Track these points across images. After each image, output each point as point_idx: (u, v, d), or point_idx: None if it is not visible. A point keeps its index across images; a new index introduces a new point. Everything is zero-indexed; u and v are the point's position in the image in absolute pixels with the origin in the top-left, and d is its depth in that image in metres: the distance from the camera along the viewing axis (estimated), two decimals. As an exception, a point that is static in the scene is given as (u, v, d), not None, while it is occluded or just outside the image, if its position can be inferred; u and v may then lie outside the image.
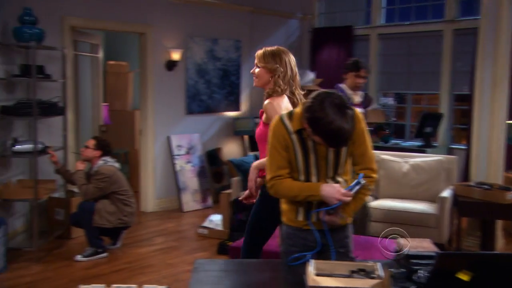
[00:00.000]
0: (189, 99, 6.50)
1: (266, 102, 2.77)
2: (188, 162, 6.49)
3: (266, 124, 2.73)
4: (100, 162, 4.69)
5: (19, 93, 4.98)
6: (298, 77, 2.87)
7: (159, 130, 6.29)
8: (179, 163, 6.39)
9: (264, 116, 2.80)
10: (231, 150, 7.01)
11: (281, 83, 2.79)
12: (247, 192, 2.85)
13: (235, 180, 5.36)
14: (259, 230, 2.95)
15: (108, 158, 4.76)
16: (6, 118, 4.66)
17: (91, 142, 4.75)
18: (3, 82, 4.71)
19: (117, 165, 4.82)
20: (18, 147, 4.61)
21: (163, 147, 6.36)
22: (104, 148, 4.75)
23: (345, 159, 2.29)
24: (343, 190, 2.20)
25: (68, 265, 4.43)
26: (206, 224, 5.36)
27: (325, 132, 2.08)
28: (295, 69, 2.86)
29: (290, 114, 2.26)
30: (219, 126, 6.89)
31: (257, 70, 2.84)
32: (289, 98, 2.82)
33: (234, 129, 6.97)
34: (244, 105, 7.13)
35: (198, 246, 5.03)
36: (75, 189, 5.06)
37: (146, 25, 6.02)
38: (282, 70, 2.80)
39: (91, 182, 4.63)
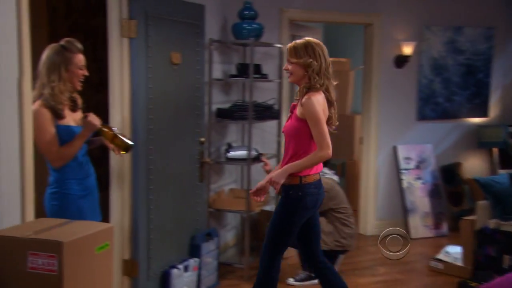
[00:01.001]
0: (422, 101, 6.35)
1: (304, 98, 3.16)
2: (418, 178, 6.33)
3: (302, 120, 3.19)
4: (317, 174, 4.82)
5: (234, 95, 5.43)
6: (331, 69, 3.24)
7: (384, 139, 6.26)
8: (407, 179, 6.27)
9: (299, 111, 3.21)
10: (473, 165, 6.65)
11: (317, 77, 3.18)
12: (259, 184, 3.28)
13: (481, 204, 5.00)
14: (279, 234, 3.34)
15: (325, 170, 4.85)
16: (222, 122, 5.11)
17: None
18: (221, 83, 5.19)
19: (335, 178, 4.90)
20: (232, 153, 5.01)
21: (388, 159, 6.31)
22: (321, 158, 4.86)
23: None
24: None
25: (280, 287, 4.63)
26: (440, 256, 5.14)
27: None
28: (328, 61, 3.23)
29: None
30: (459, 136, 6.63)
31: (290, 66, 3.24)
32: (324, 94, 3.23)
33: (479, 140, 6.61)
34: (494, 109, 6.71)
35: (430, 283, 4.86)
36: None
37: (374, 14, 6.04)
38: (316, 63, 3.17)
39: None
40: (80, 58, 3.17)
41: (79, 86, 3.21)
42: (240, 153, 5.01)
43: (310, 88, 3.20)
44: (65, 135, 3.11)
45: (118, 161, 3.79)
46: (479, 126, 6.62)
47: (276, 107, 5.32)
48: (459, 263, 4.94)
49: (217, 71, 5.12)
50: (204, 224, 4.68)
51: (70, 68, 3.12)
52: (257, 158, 5.00)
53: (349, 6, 5.97)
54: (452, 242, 5.48)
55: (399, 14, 6.15)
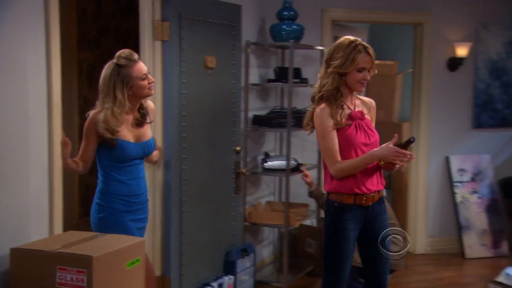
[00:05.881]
0: (478, 108, 6.31)
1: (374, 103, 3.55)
2: (474, 192, 6.29)
3: None
4: (363, 186, 4.80)
5: (272, 101, 5.46)
6: None
7: (435, 148, 6.24)
8: (461, 192, 6.24)
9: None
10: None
11: None
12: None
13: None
14: (332, 258, 3.30)
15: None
16: (259, 129, 5.15)
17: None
18: (258, 88, 5.24)
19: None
20: (269, 163, 5.04)
21: (440, 171, 6.29)
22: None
23: None
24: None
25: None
26: (501, 279, 5.05)
27: None
28: None
29: None
30: (521, 146, 6.52)
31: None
32: None
33: None
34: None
35: (487, 308, 4.78)
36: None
37: (425, 13, 6.02)
38: None
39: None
40: (138, 68, 3.15)
41: (150, 93, 3.25)
42: (278, 163, 5.04)
43: None
44: (116, 150, 3.16)
45: (150, 172, 3.85)
46: (542, 135, 6.51)
47: (317, 114, 5.32)
48: (523, 286, 4.86)
49: (254, 76, 5.17)
50: (240, 239, 4.71)
51: (130, 83, 3.13)
52: (296, 169, 5.02)
53: (397, 5, 5.96)
54: (512, 263, 5.42)
55: (452, 13, 6.11)
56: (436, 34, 6.07)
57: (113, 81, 3.10)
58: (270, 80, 5.23)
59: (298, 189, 5.27)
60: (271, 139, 5.51)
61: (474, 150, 6.35)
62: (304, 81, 5.24)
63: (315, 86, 3.32)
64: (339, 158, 3.20)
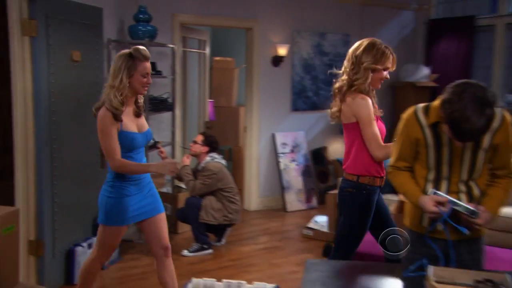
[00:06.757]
0: (295, 95, 6.56)
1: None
2: (293, 160, 6.55)
3: None
4: (208, 158, 4.91)
5: (132, 90, 5.35)
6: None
7: (264, 127, 6.42)
8: (284, 161, 6.48)
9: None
10: (337, 149, 6.92)
11: None
12: None
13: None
14: (359, 234, 3.02)
15: (215, 155, 4.96)
16: (120, 114, 5.03)
17: (200, 138, 4.99)
18: (118, 79, 5.10)
19: (223, 162, 5.01)
20: (130, 142, 4.96)
21: (268, 145, 6.48)
22: (211, 144, 4.96)
23: (482, 163, 2.20)
24: (431, 207, 2.13)
25: (176, 259, 4.62)
26: (311, 225, 5.40)
27: (450, 118, 2.00)
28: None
29: (427, 107, 2.23)
30: (325, 124, 6.82)
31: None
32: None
33: (341, 128, 6.81)
34: (352, 102, 7.04)
35: (303, 247, 5.08)
36: (182, 185, 5.34)
37: (253, 20, 6.18)
38: None
39: (198, 178, 4.86)
40: (145, 66, 2.96)
41: (143, 91, 3.02)
42: (138, 141, 4.97)
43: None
44: (126, 141, 2.95)
45: (23, 150, 3.65)
46: (341, 116, 6.94)
47: (170, 100, 5.33)
48: (325, 229, 5.21)
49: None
50: (106, 206, 4.60)
51: (133, 74, 2.92)
52: (154, 146, 4.99)
53: (232, 13, 6.07)
54: (320, 213, 5.76)
55: (274, 21, 6.31)
56: (262, 37, 6.25)
57: (123, 67, 2.90)
58: (129, 72, 5.12)
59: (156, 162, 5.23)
60: (131, 122, 5.41)
61: (293, 128, 6.61)
62: (159, 73, 5.20)
63: (341, 79, 3.02)
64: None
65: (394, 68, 3.02)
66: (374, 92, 3.06)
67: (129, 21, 5.06)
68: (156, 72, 5.15)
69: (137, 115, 3.09)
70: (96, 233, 4.30)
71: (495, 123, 2.13)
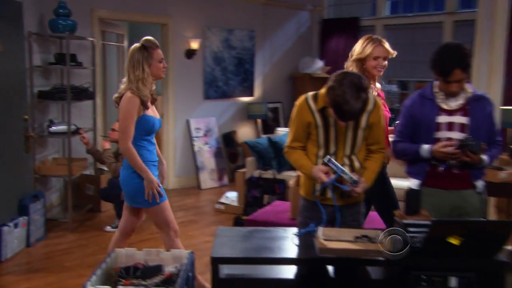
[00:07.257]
0: (207, 85, 6.59)
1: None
2: (206, 143, 6.59)
3: None
4: (128, 142, 4.84)
5: (54, 79, 5.14)
6: None
7: (179, 114, 6.40)
8: (197, 144, 6.51)
9: None
10: (245, 132, 7.10)
11: None
12: None
13: (250, 160, 5.48)
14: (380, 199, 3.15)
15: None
16: (43, 102, 4.83)
17: (117, 125, 4.89)
18: (40, 70, 4.87)
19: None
20: (53, 128, 4.79)
21: (183, 130, 6.47)
22: (131, 129, 4.89)
23: (361, 140, 2.41)
24: (323, 176, 2.31)
25: (99, 234, 4.62)
26: (222, 200, 5.50)
27: (334, 102, 2.19)
28: None
29: (315, 94, 2.38)
30: (234, 111, 6.96)
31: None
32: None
33: (248, 113, 7.04)
34: (257, 91, 7.21)
35: (215, 220, 5.16)
36: (104, 167, 5.23)
37: (167, 17, 6.12)
38: None
39: (119, 160, 4.79)
40: (159, 53, 2.88)
41: (162, 75, 2.91)
42: (61, 127, 4.82)
43: None
44: (148, 125, 2.85)
45: None
46: (248, 103, 7.02)
47: (90, 89, 5.17)
48: (235, 204, 5.33)
49: (38, 60, 4.81)
50: (31, 188, 4.43)
51: (151, 62, 2.82)
52: (76, 132, 4.86)
53: (148, 9, 5.96)
54: (230, 189, 5.89)
55: (187, 18, 6.28)
56: (176, 32, 6.20)
57: (141, 58, 2.78)
58: (51, 63, 4.90)
59: (78, 147, 5.10)
60: (55, 110, 5.19)
61: (205, 114, 6.63)
62: (79, 64, 5.02)
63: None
64: None
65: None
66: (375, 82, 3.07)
67: (50, 15, 4.82)
68: (77, 64, 4.98)
69: (152, 102, 3.02)
70: (22, 213, 4.15)
71: (370, 106, 2.35)
